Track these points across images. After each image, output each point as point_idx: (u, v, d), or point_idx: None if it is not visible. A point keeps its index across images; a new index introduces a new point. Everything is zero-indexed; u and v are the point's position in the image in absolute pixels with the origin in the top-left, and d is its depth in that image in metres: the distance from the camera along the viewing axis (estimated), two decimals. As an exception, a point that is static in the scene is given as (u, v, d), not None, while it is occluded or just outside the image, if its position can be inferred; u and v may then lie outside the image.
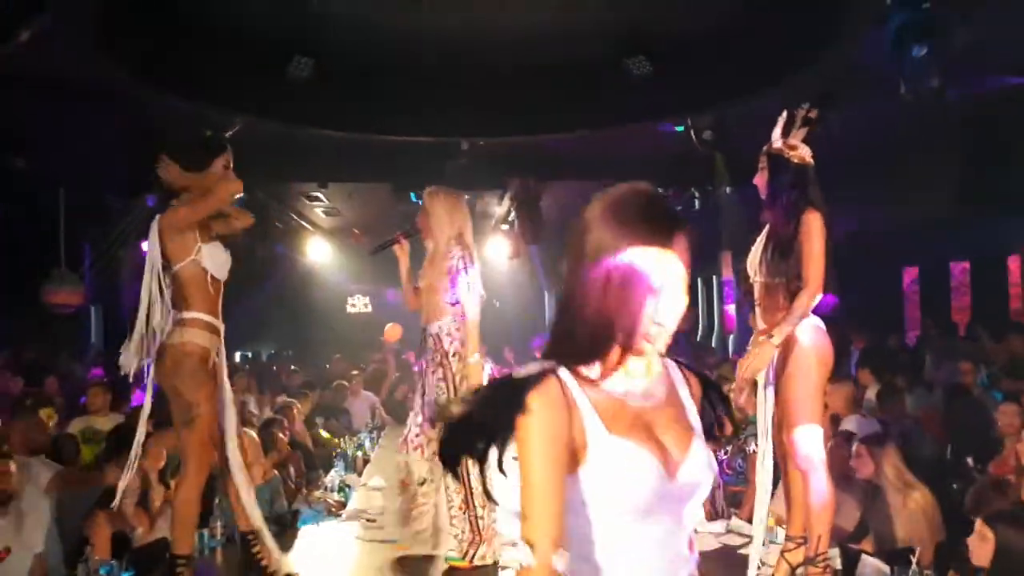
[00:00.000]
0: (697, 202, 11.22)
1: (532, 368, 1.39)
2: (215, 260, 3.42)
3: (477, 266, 4.16)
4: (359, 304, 17.82)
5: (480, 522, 4.01)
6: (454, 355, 4.09)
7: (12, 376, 9.85)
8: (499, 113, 7.52)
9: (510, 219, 11.26)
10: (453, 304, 4.09)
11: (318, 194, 10.31)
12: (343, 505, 5.45)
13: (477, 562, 3.97)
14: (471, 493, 4.01)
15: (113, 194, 10.69)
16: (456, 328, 4.09)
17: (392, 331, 10.51)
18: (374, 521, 5.07)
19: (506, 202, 10.73)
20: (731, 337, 14.08)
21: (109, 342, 14.97)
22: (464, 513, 4.05)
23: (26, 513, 4.07)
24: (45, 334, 12.41)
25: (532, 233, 10.27)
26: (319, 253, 13.75)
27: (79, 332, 14.30)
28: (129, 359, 3.39)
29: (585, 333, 1.38)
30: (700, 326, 16.21)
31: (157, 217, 3.38)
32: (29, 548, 3.92)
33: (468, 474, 3.82)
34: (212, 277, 3.42)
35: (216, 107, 6.65)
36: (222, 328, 3.50)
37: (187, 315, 3.38)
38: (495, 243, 12.78)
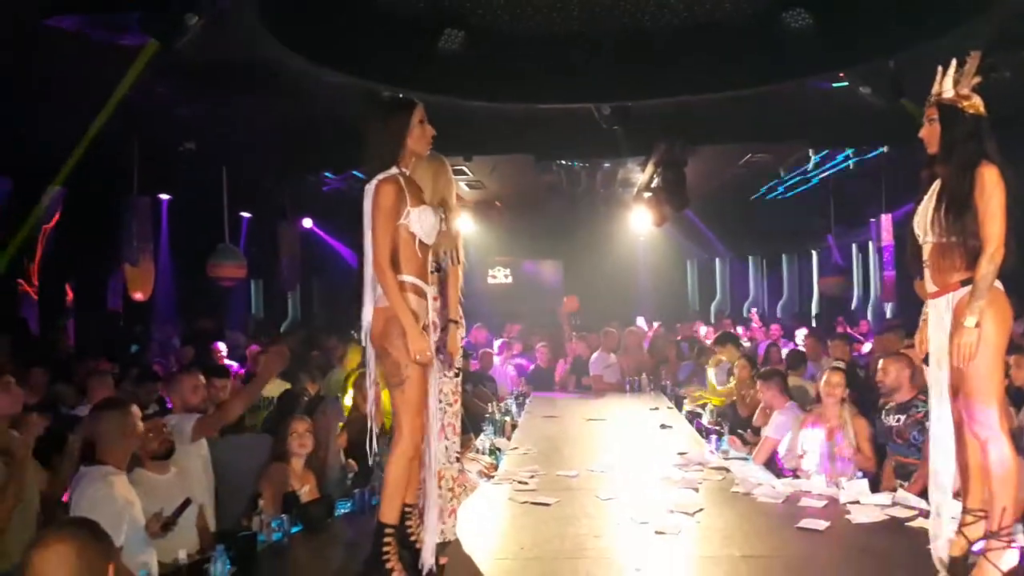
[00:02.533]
0: (852, 163, 10.71)
1: None
2: (423, 224, 3.36)
3: (461, 232, 4.07)
4: (499, 276, 18.13)
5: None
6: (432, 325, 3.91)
7: (183, 345, 10.63)
8: (646, 76, 7.38)
9: (653, 186, 11.08)
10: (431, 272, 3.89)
11: (463, 167, 10.46)
12: (495, 467, 5.57)
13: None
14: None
15: (271, 172, 11.21)
16: (433, 298, 3.80)
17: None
18: (525, 483, 5.15)
19: (649, 168, 10.56)
20: (889, 305, 13.40)
21: (268, 313, 15.88)
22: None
23: (185, 467, 4.38)
24: (213, 306, 13.29)
25: (677, 200, 10.06)
26: (462, 226, 14.00)
27: (240, 304, 15.22)
28: (365, 323, 3.36)
29: None
30: (855, 295, 15.52)
31: (370, 184, 3.33)
32: (197, 499, 4.20)
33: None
34: (420, 241, 3.38)
35: (369, 80, 6.82)
36: (430, 292, 3.48)
37: (397, 278, 3.31)
38: (637, 211, 12.64)
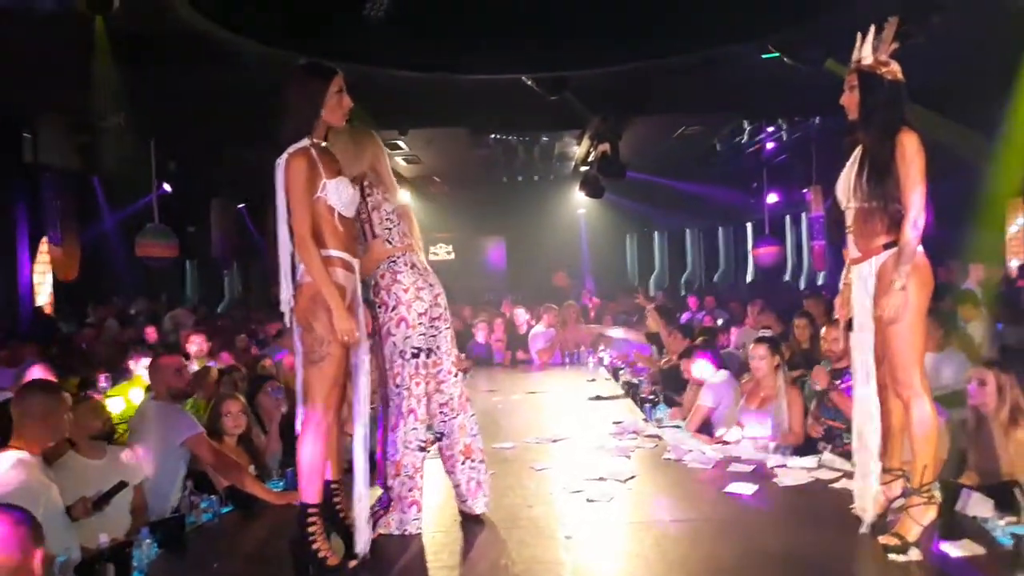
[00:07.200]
0: (784, 135, 10.86)
1: None
2: (342, 196, 3.26)
3: (401, 200, 3.91)
4: (441, 252, 18.01)
5: (390, 492, 3.78)
6: (380, 306, 3.78)
7: (120, 327, 10.37)
8: (579, 45, 7.29)
9: (590, 160, 11.12)
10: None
11: (398, 142, 10.34)
12: (433, 441, 5.51)
13: (381, 530, 3.72)
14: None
15: (202, 146, 10.94)
16: (380, 275, 3.80)
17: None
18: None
19: (585, 141, 10.57)
20: (821, 274, 13.70)
21: (203, 294, 15.56)
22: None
23: (132, 447, 4.27)
24: (148, 287, 12.97)
25: (613, 172, 10.09)
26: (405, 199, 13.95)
27: (176, 284, 14.88)
28: (284, 299, 3.27)
29: None
30: (789, 264, 15.82)
31: (281, 157, 3.19)
32: (136, 480, 4.09)
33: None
34: (340, 215, 3.27)
35: (292, 51, 6.63)
36: (357, 265, 3.38)
37: (321, 253, 3.21)
38: (575, 185, 12.70)
